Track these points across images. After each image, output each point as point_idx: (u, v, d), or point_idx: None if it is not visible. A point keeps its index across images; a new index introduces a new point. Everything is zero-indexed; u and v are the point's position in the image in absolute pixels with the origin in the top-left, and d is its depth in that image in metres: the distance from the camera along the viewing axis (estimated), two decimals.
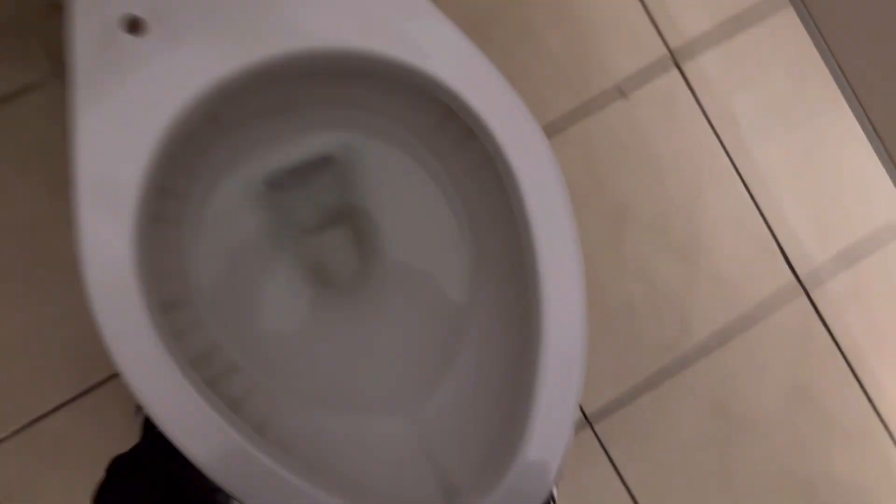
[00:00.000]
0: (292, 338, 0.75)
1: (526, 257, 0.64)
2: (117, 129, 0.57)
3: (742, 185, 1.00)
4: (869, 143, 1.03)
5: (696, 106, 1.00)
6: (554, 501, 0.69)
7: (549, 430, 0.60)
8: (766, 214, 1.00)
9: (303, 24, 0.59)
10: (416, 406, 0.72)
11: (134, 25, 0.57)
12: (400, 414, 0.72)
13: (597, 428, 0.95)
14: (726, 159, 1.00)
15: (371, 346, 0.75)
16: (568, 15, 0.99)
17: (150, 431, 0.80)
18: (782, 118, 1.02)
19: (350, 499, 0.58)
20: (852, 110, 1.02)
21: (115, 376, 0.88)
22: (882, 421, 1.01)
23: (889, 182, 1.02)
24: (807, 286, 1.00)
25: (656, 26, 1.00)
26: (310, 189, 0.80)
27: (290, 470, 0.56)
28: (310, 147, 0.76)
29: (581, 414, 0.96)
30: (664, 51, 1.00)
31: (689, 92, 1.00)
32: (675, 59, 1.00)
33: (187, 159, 0.67)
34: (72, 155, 0.58)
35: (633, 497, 0.96)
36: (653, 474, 0.96)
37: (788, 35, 1.02)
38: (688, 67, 1.00)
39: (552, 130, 0.97)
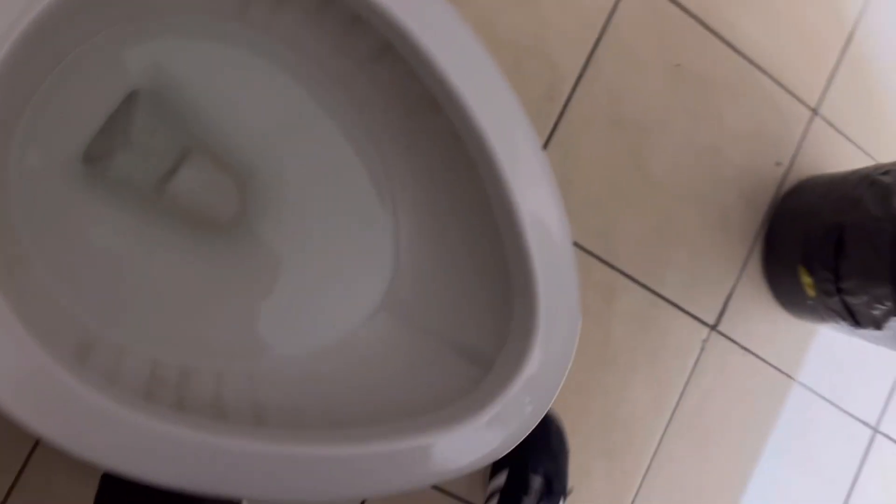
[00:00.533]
0: (230, 304, 0.64)
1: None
2: None
3: None
4: None
5: None
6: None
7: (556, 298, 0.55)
8: None
9: None
10: (388, 294, 0.66)
11: None
12: (379, 309, 0.65)
13: None
14: None
15: (306, 265, 0.66)
16: None
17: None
18: None
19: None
20: None
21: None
22: (749, 60, 1.03)
23: None
24: None
25: None
26: (132, 136, 0.65)
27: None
28: (109, 93, 0.60)
29: None
30: None
31: None
32: None
33: None
34: None
35: (581, 247, 0.96)
36: (589, 215, 0.96)
37: None
38: None
39: None
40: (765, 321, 1.07)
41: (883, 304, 0.86)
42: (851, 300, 0.91)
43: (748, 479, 1.07)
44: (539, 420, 0.54)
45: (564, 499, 0.89)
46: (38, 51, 0.53)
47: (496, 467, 0.89)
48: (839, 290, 0.92)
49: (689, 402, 1.02)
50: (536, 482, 0.85)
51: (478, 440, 0.53)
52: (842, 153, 1.10)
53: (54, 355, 0.44)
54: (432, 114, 0.58)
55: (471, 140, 0.55)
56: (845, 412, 1.11)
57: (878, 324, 0.89)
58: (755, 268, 1.05)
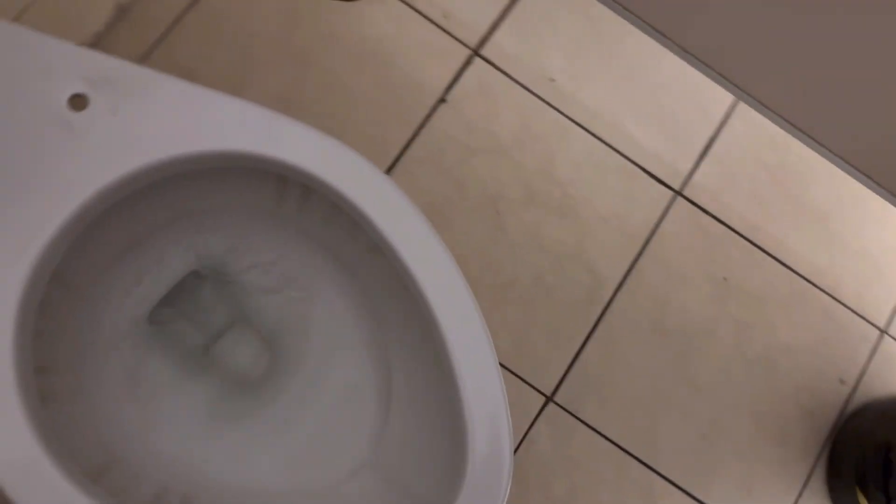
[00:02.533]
0: (243, 449, 0.75)
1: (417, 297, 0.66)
2: None
3: (584, 131, 1.06)
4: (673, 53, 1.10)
5: (511, 81, 1.06)
6: None
7: (486, 419, 0.62)
8: (617, 147, 1.06)
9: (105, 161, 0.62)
10: (374, 452, 0.73)
11: None
12: (364, 468, 0.73)
13: (558, 399, 0.98)
14: (559, 115, 1.06)
15: (315, 419, 0.76)
16: (366, 56, 1.04)
17: None
18: (592, 58, 1.09)
19: None
20: (642, 31, 1.09)
21: None
22: (800, 276, 1.06)
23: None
24: (677, 188, 1.06)
25: (445, 30, 1.06)
26: (191, 306, 0.81)
27: None
28: (174, 270, 0.77)
29: (540, 394, 0.98)
30: (461, 48, 1.06)
31: (498, 73, 1.06)
32: (475, 51, 1.06)
33: (52, 328, 0.68)
34: None
35: (618, 446, 0.98)
36: (628, 415, 0.99)
37: None
38: (489, 53, 1.06)
39: (402, 160, 1.01)
40: None
41: None
42: None
43: None
44: None
45: None
46: (116, 233, 0.72)
47: None
48: None
49: None
50: None
51: None
52: None
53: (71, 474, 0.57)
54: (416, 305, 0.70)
55: (431, 325, 0.66)
56: None
57: None
58: (818, 487, 1.00)
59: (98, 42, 0.97)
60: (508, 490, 0.60)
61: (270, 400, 0.78)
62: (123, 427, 0.71)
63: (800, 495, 1.00)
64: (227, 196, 0.75)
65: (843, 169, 0.99)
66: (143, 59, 0.99)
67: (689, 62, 1.05)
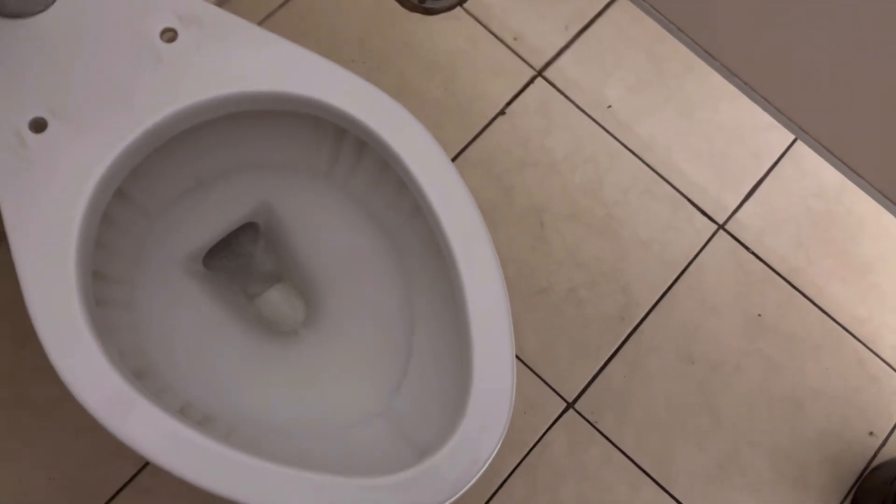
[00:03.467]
0: (265, 387, 0.80)
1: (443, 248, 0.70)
2: (42, 223, 0.65)
3: (635, 157, 1.10)
4: (739, 91, 1.14)
5: (569, 103, 1.11)
6: None
7: (490, 377, 0.65)
8: (666, 177, 1.09)
9: (188, 83, 0.69)
10: (388, 404, 0.77)
11: (38, 125, 0.66)
12: (376, 417, 0.76)
13: (579, 407, 0.99)
14: (612, 139, 1.10)
15: (337, 370, 0.80)
16: (437, 66, 1.11)
17: None
18: (652, 94, 1.13)
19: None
20: (713, 68, 1.14)
21: (112, 499, 0.91)
22: (838, 322, 1.06)
23: (764, 114, 1.12)
24: (721, 222, 1.08)
25: (513, 51, 1.12)
26: (245, 256, 0.87)
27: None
28: (232, 217, 0.84)
29: (561, 399, 0.99)
30: (527, 69, 1.12)
31: (558, 94, 1.11)
32: (539, 72, 1.12)
33: (116, 243, 0.74)
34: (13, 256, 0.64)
35: (634, 462, 0.98)
36: (646, 434, 0.99)
37: (629, 21, 1.15)
38: (552, 75, 1.12)
39: (456, 161, 1.06)
40: None
41: None
42: None
43: None
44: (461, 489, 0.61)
45: None
46: (184, 165, 0.79)
47: None
48: None
49: None
50: None
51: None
52: None
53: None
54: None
55: (455, 279, 0.70)
56: None
57: None
58: None
59: None
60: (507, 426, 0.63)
61: (299, 346, 0.82)
62: (161, 344, 0.77)
63: None
64: (289, 151, 0.82)
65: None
66: None
67: (752, 98, 1.08)
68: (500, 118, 1.10)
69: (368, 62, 1.10)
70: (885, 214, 1.11)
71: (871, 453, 1.02)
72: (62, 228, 0.64)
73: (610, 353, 1.02)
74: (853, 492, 0.99)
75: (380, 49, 1.11)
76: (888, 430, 1.03)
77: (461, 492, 0.62)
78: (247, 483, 0.61)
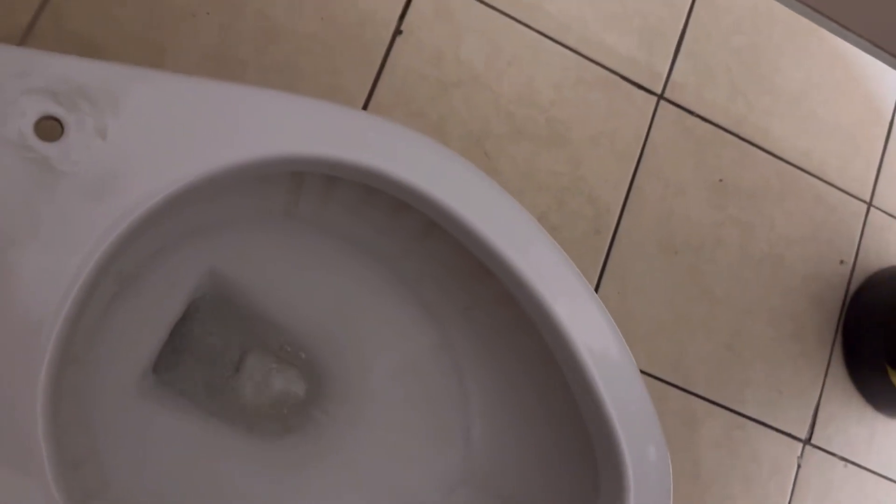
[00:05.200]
0: (301, 497, 0.63)
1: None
2: None
3: (556, 44, 0.95)
4: None
5: None
6: None
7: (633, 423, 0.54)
8: (592, 56, 0.96)
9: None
10: (461, 467, 0.64)
11: None
12: (457, 485, 0.63)
13: None
14: (528, 30, 0.94)
15: (374, 450, 0.65)
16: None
17: None
18: None
19: None
20: None
21: None
22: (787, 162, 1.03)
23: None
24: (659, 92, 0.98)
25: None
26: (203, 343, 0.66)
27: None
28: (174, 305, 0.62)
29: None
30: None
31: None
32: None
33: (72, 417, 0.52)
34: None
35: (653, 377, 0.93)
36: (656, 343, 0.94)
37: None
38: None
39: (367, 108, 0.86)
40: (860, 427, 1.01)
41: None
42: None
43: None
44: None
45: None
46: (104, 279, 0.55)
47: None
48: None
49: None
50: None
51: None
52: None
53: None
54: (485, 279, 0.58)
55: (523, 298, 0.55)
56: None
57: None
58: (839, 373, 1.01)
59: None
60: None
61: (321, 432, 0.65)
62: (153, 496, 0.58)
63: (823, 385, 1.00)
64: (227, 207, 0.60)
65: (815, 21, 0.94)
66: (27, 32, 0.77)
67: None
68: (399, 38, 0.89)
69: (214, 12, 0.83)
70: (799, 35, 1.06)
71: (846, 281, 1.03)
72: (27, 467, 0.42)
73: (598, 275, 0.93)
74: (840, 326, 1.02)
75: None
76: (853, 254, 1.04)
77: None
78: None
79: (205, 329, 0.65)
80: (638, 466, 0.54)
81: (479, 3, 0.92)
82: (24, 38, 0.76)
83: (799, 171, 1.03)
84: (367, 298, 0.65)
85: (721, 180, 0.99)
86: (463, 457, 0.64)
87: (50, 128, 0.44)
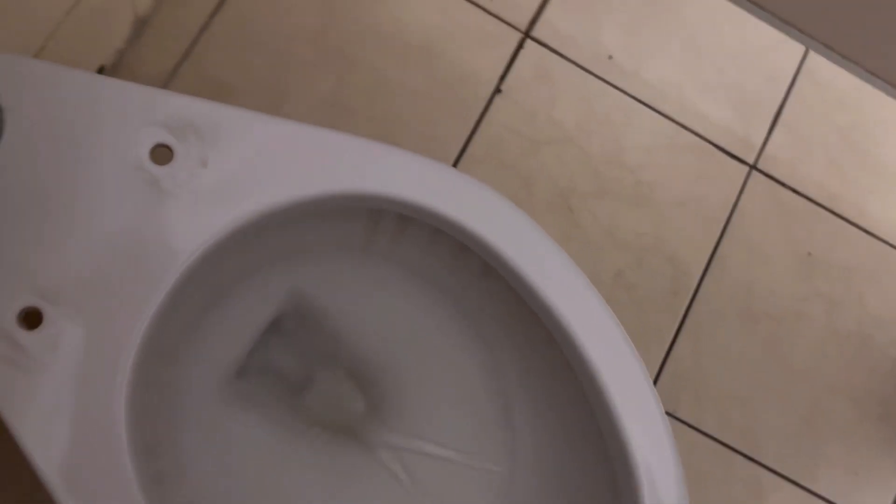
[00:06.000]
0: None
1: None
2: (80, 448, 0.51)
3: (650, 110, 0.99)
4: (740, 9, 1.03)
5: (567, 62, 0.98)
6: None
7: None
8: (686, 124, 0.99)
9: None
10: (507, 495, 0.68)
11: (30, 319, 0.50)
12: None
13: None
14: (622, 95, 0.98)
15: (432, 466, 0.70)
16: (410, 49, 0.95)
17: None
18: (652, 31, 1.01)
19: None
20: None
21: None
22: (883, 241, 1.01)
23: (772, 30, 1.02)
24: (752, 162, 1.00)
25: (492, 14, 0.97)
26: (280, 355, 0.74)
27: None
28: (259, 320, 0.70)
29: None
30: (512, 32, 0.98)
31: (553, 55, 0.98)
32: (526, 33, 0.98)
33: (155, 406, 0.61)
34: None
35: (721, 442, 0.93)
36: (726, 408, 0.94)
37: None
38: (541, 34, 0.98)
39: (462, 160, 0.93)
40: None
41: None
42: None
43: None
44: None
45: None
46: (202, 287, 0.64)
47: None
48: None
49: None
50: None
51: None
52: None
53: None
54: (535, 320, 0.63)
55: (581, 370, 0.59)
56: None
57: None
58: None
59: (121, 60, 0.88)
60: None
61: (375, 449, 0.71)
62: (227, 498, 0.65)
63: None
64: (315, 236, 0.68)
65: None
66: (171, 75, 0.89)
67: (754, 13, 0.98)
68: (498, 97, 0.96)
69: (332, 64, 0.93)
70: None
71: None
72: (109, 446, 0.50)
73: (673, 334, 0.95)
74: None
75: (340, 44, 0.94)
76: None
77: None
78: None
79: (284, 345, 0.73)
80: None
81: (577, 68, 0.98)
82: (168, 81, 0.88)
83: (894, 251, 1.01)
84: (429, 327, 0.70)
85: (810, 254, 0.99)
86: (506, 486, 0.68)
87: (162, 154, 0.53)
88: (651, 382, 0.60)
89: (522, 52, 0.97)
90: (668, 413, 0.93)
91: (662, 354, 0.94)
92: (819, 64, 1.03)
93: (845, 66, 1.04)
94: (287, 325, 0.73)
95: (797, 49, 1.03)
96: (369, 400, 0.74)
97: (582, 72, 0.98)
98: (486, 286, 0.67)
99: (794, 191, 1.00)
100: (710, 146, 0.99)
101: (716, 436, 0.93)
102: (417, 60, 0.95)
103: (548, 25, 0.98)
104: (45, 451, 0.50)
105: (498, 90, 0.96)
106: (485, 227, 0.60)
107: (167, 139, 0.53)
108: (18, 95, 0.52)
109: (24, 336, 0.50)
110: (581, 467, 0.63)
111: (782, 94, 1.02)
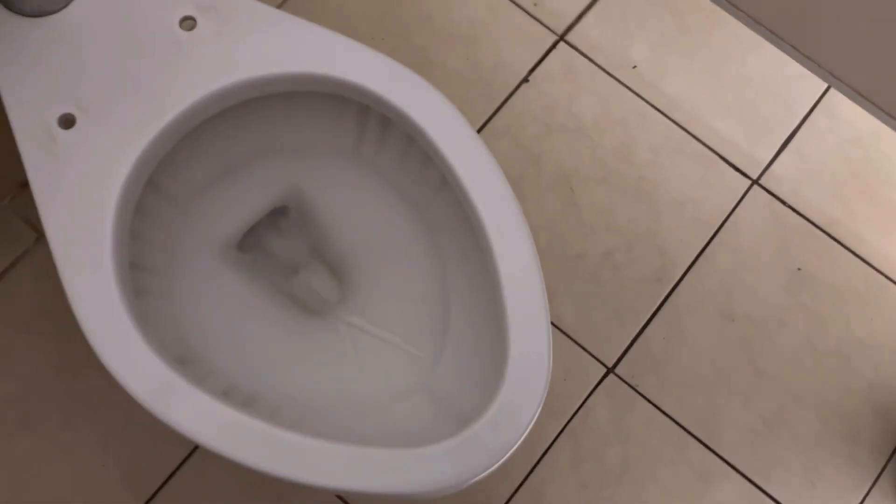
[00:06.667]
0: (305, 367, 0.80)
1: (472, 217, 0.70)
2: (77, 218, 0.66)
3: (665, 117, 1.08)
4: (766, 41, 1.11)
5: (594, 66, 1.09)
6: None
7: (527, 343, 0.65)
8: (696, 135, 1.08)
9: (203, 74, 0.69)
10: (427, 378, 0.77)
11: (66, 121, 0.67)
12: (416, 392, 0.77)
13: (619, 372, 0.99)
14: (640, 101, 1.08)
15: (375, 347, 0.81)
16: (457, 37, 1.10)
17: None
18: (678, 51, 1.11)
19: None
20: (736, 18, 1.11)
21: (167, 482, 0.93)
22: (878, 271, 1.04)
23: (793, 64, 1.09)
24: (754, 177, 1.06)
25: (534, 17, 1.11)
26: (277, 239, 0.88)
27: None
28: (263, 201, 0.84)
29: (601, 365, 0.99)
30: (548, 34, 1.11)
31: (582, 58, 1.10)
32: (561, 37, 1.10)
33: (149, 234, 0.76)
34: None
35: (678, 423, 0.97)
36: (689, 395, 0.98)
37: None
38: (574, 39, 1.10)
39: (481, 132, 1.06)
40: None
41: None
42: None
43: None
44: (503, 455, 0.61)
45: None
46: (212, 153, 0.80)
47: None
48: None
49: None
50: None
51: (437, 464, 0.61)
52: None
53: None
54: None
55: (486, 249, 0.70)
56: None
57: None
58: (888, 488, 0.96)
59: None
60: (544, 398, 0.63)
61: (337, 325, 0.82)
62: (201, 330, 0.78)
63: (867, 495, 0.96)
64: (314, 132, 0.82)
65: None
66: None
67: (779, 47, 1.05)
68: (524, 86, 1.09)
69: (388, 39, 1.09)
70: None
71: None
72: (97, 222, 0.65)
73: (648, 316, 1.01)
74: None
75: (399, 25, 1.10)
76: None
77: (503, 458, 0.62)
78: (292, 460, 0.62)
79: (280, 231, 0.87)
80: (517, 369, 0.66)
81: (601, 72, 1.09)
82: None
83: (889, 283, 1.03)
84: (396, 232, 0.82)
85: (800, 269, 1.03)
86: (430, 371, 0.77)
87: (188, 24, 0.70)
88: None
89: (554, 52, 1.10)
90: (629, 385, 0.99)
91: (635, 332, 1.00)
92: (839, 100, 1.09)
93: (866, 106, 1.09)
94: (286, 215, 0.87)
95: (819, 84, 1.10)
96: (342, 290, 0.86)
97: (606, 76, 1.09)
98: (441, 199, 0.79)
99: (793, 209, 1.05)
100: (716, 156, 1.07)
101: (674, 416, 0.98)
102: (460, 47, 1.09)
103: (582, 33, 1.11)
104: (53, 218, 0.65)
105: (525, 80, 1.09)
106: (445, 142, 0.71)
107: (193, 13, 0.70)
108: None
109: (60, 133, 0.67)
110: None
111: (796, 122, 1.09)
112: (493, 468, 0.63)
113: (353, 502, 0.95)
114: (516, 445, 0.63)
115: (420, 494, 0.62)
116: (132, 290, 0.68)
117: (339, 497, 0.94)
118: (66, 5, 0.70)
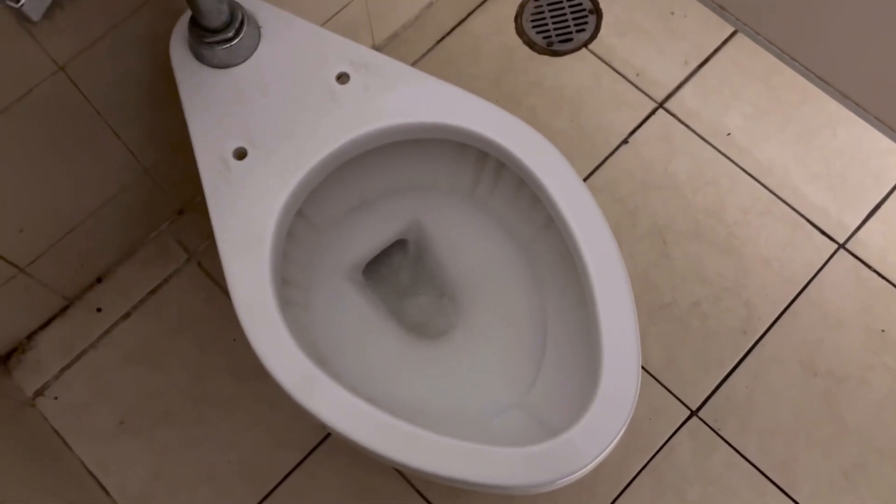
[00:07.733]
0: (415, 380, 0.91)
1: (573, 253, 0.80)
2: (245, 236, 0.79)
3: (755, 181, 1.16)
4: (856, 116, 1.18)
5: (690, 132, 1.18)
6: None
7: (618, 376, 0.73)
8: (786, 199, 1.15)
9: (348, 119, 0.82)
10: (524, 397, 0.86)
11: (240, 154, 0.80)
12: (514, 408, 0.86)
13: (702, 415, 1.05)
14: (733, 165, 1.17)
15: (480, 367, 0.91)
16: (564, 101, 1.21)
17: None
18: (770, 122, 1.19)
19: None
20: (828, 94, 1.18)
21: (281, 483, 1.04)
22: None
23: (883, 138, 1.16)
24: (841, 242, 1.12)
25: (636, 85, 1.22)
26: (399, 267, 1.00)
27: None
28: (389, 232, 0.96)
29: (685, 408, 1.05)
30: (648, 101, 1.21)
31: (679, 124, 1.19)
32: (660, 104, 1.20)
33: (295, 254, 0.88)
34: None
35: (758, 468, 1.02)
36: (770, 442, 1.03)
37: (746, 55, 1.22)
38: (673, 107, 1.20)
39: None
40: None
41: None
42: None
43: None
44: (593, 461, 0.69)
45: None
46: (351, 189, 0.92)
47: None
48: None
49: None
50: None
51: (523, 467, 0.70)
52: None
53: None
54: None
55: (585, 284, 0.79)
56: None
57: None
58: None
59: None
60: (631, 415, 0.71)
61: (446, 346, 0.93)
62: (330, 339, 0.90)
63: None
64: (437, 174, 0.94)
65: None
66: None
67: (867, 120, 1.12)
68: (624, 147, 1.19)
69: (501, 101, 1.22)
70: None
71: None
72: (260, 240, 0.78)
73: (733, 365, 1.07)
74: None
75: (512, 89, 1.22)
76: None
77: (593, 463, 0.70)
78: (416, 449, 0.71)
79: (407, 258, 0.99)
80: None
81: (697, 138, 1.18)
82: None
83: None
84: (502, 267, 0.93)
85: (883, 331, 1.08)
86: (528, 389, 0.86)
87: (344, 80, 0.83)
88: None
89: (653, 118, 1.20)
90: (712, 428, 1.05)
91: (719, 379, 1.06)
92: None
93: None
94: (405, 246, 0.99)
95: None
96: (451, 314, 0.97)
97: (701, 141, 1.18)
98: (545, 236, 0.89)
99: (879, 273, 1.10)
100: (804, 220, 1.13)
101: (754, 461, 1.03)
102: (566, 109, 1.21)
103: (680, 102, 1.21)
104: (224, 233, 0.78)
105: (625, 141, 1.19)
106: (554, 186, 0.82)
107: (349, 70, 0.83)
108: (272, 28, 0.85)
109: (234, 164, 0.80)
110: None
111: (885, 192, 1.14)
112: (582, 472, 0.70)
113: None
114: (605, 453, 0.70)
115: (517, 488, 0.71)
116: (282, 300, 0.81)
117: (425, 499, 1.03)
118: (244, 60, 0.84)
